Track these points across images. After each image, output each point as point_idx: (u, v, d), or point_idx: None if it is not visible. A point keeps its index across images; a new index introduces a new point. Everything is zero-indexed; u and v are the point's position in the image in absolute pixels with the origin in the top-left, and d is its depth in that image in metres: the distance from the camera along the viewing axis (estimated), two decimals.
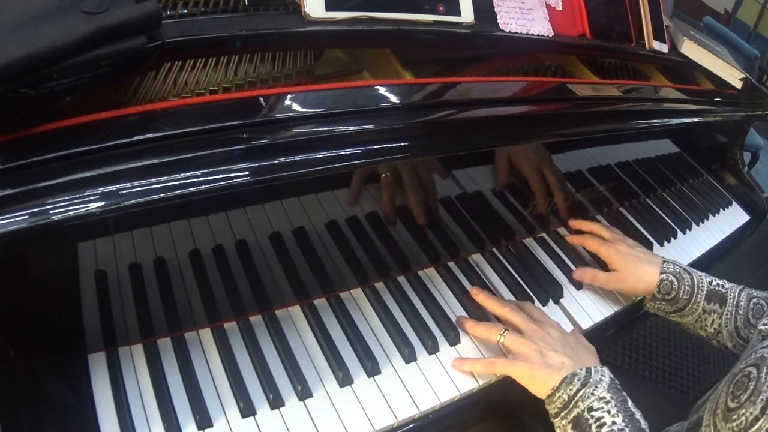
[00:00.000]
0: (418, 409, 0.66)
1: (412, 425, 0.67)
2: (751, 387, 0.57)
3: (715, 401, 0.62)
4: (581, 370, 0.65)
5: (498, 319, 0.78)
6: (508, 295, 0.84)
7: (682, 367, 1.66)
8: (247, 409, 0.62)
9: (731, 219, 1.31)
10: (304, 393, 0.64)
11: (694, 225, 1.19)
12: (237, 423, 0.61)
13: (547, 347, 0.69)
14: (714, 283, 0.84)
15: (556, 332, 0.72)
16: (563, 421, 0.64)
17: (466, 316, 0.78)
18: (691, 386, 1.62)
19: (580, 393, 0.63)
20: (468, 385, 0.70)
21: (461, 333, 0.75)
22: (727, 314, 0.82)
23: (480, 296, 0.78)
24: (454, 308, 0.80)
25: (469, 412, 0.71)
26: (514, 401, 0.78)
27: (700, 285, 0.84)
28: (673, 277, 0.84)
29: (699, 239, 1.16)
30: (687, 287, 0.83)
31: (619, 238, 0.92)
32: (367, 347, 0.70)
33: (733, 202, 1.37)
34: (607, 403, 0.62)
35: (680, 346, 1.71)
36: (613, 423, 0.61)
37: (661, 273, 0.84)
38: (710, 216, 1.26)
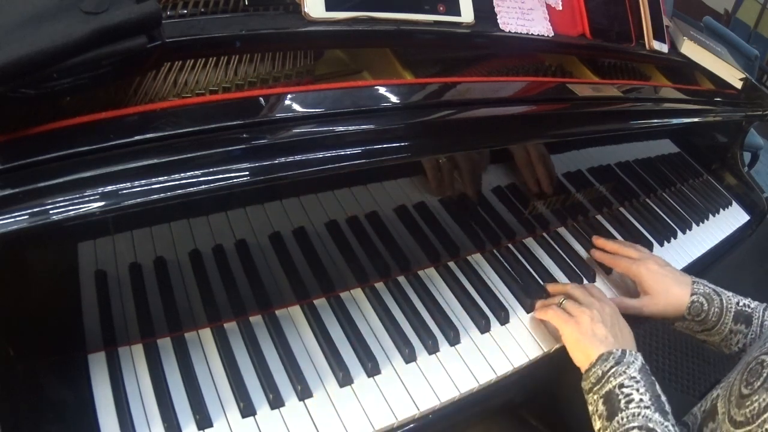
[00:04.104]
0: (418, 409, 0.66)
1: (412, 425, 0.67)
2: (765, 374, 0.60)
3: (728, 388, 0.65)
4: (617, 350, 0.69)
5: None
6: (508, 294, 0.84)
7: (682, 367, 1.67)
8: (247, 409, 0.62)
9: (731, 219, 1.31)
10: (304, 393, 0.64)
11: (694, 225, 1.19)
12: (237, 423, 0.61)
13: (598, 317, 0.74)
14: (741, 304, 0.84)
15: (610, 310, 0.77)
16: (595, 396, 0.67)
17: (467, 316, 0.78)
18: (691, 386, 1.62)
19: (613, 370, 0.67)
20: (468, 385, 0.70)
21: (461, 333, 0.75)
22: (752, 334, 0.82)
23: None
24: (454, 308, 0.79)
25: (470, 412, 0.71)
26: (514, 401, 0.78)
27: (729, 306, 0.83)
28: (703, 299, 0.83)
29: (699, 239, 1.16)
30: (716, 309, 0.83)
31: (648, 257, 0.90)
32: (367, 347, 0.70)
33: (733, 202, 1.37)
34: (637, 382, 0.66)
35: (680, 346, 1.72)
36: (641, 400, 0.64)
37: (692, 294, 0.83)
38: (710, 216, 1.26)
